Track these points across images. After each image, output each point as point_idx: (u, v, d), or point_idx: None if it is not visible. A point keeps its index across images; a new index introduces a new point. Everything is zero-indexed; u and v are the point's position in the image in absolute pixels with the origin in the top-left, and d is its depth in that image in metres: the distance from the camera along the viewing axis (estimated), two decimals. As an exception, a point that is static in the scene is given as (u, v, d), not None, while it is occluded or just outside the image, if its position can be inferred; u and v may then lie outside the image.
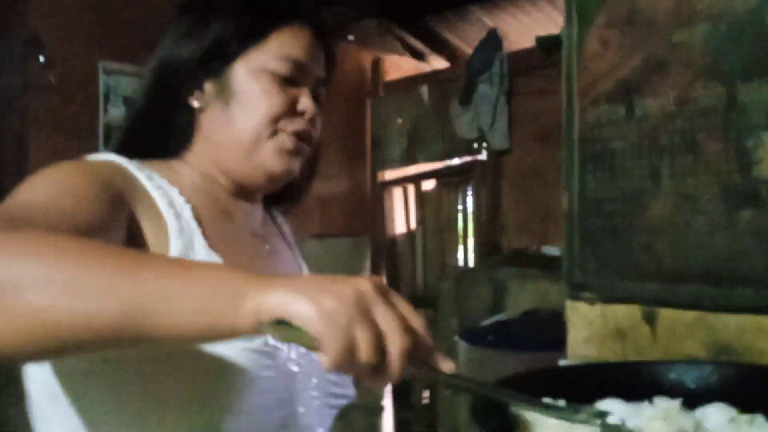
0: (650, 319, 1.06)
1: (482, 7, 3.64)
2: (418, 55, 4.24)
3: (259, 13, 0.86)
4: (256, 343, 0.76)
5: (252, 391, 0.75)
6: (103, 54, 2.87)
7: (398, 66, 4.33)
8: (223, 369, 0.73)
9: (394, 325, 0.49)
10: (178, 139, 0.87)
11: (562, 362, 1.14)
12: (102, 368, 0.72)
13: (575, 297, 1.15)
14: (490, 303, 3.01)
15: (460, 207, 3.84)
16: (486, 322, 2.59)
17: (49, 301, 0.49)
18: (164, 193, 0.79)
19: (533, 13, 3.64)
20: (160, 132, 0.86)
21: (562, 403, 0.66)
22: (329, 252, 3.95)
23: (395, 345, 0.49)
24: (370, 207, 4.22)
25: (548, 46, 3.31)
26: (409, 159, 4.05)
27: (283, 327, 0.49)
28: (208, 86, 0.85)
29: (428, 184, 4.08)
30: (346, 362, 0.48)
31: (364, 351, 0.48)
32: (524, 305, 2.78)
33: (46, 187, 0.68)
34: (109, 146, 0.87)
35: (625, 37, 1.11)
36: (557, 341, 1.26)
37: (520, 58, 3.45)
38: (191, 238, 0.78)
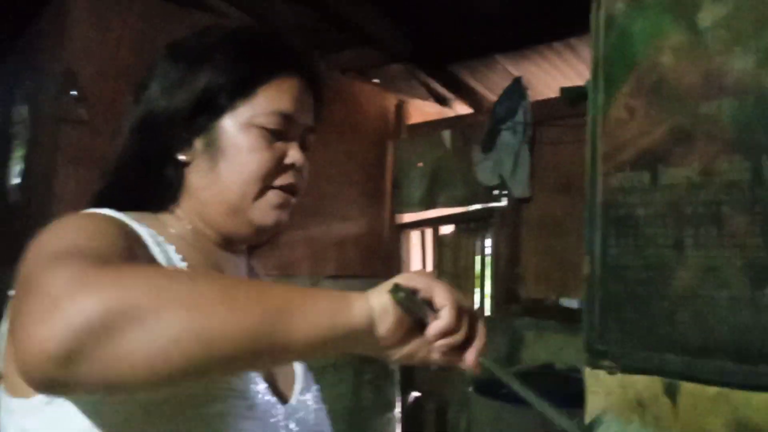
0: (671, 392, 1.04)
1: (507, 56, 3.68)
2: (442, 101, 4.27)
3: (249, 65, 0.82)
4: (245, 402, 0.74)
5: None
6: (137, 92, 2.92)
7: (421, 110, 4.37)
8: (203, 418, 0.72)
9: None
10: (166, 193, 0.85)
11: None
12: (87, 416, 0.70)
13: (594, 365, 1.13)
14: (506, 353, 2.97)
15: (478, 253, 3.82)
16: (501, 374, 2.55)
17: (206, 318, 0.57)
18: (159, 245, 0.78)
19: (557, 63, 3.67)
20: (147, 186, 0.84)
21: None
22: (345, 293, 3.93)
23: (481, 329, 0.68)
24: (387, 249, 4.21)
25: (573, 97, 3.34)
26: (429, 203, 4.05)
27: (402, 294, 0.62)
28: (197, 141, 0.83)
29: (447, 229, 4.07)
30: (456, 327, 0.65)
31: (465, 322, 0.66)
32: (540, 357, 2.74)
33: (82, 232, 0.68)
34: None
35: (651, 106, 1.11)
36: (574, 399, 1.23)
37: (543, 107, 3.47)
38: None
